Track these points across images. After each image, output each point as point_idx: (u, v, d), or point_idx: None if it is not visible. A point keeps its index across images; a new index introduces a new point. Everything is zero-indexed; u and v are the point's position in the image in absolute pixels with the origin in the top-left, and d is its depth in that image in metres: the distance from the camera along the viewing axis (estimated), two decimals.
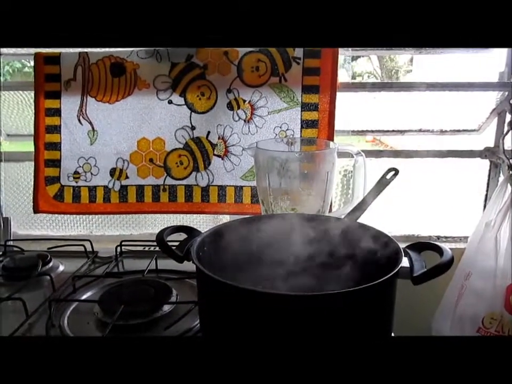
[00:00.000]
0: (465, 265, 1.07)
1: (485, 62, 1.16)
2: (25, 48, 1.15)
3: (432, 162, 1.15)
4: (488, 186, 1.16)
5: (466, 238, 1.17)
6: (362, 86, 1.12)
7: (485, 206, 1.15)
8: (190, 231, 0.70)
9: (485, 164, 1.15)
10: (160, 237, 0.65)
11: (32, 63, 1.10)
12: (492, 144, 1.13)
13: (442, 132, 1.15)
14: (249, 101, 1.05)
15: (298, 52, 1.02)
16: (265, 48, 1.03)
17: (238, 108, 1.06)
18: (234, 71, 1.04)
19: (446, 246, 0.59)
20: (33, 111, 1.10)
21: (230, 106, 1.06)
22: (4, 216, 1.19)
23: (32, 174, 1.11)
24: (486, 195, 1.16)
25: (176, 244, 0.65)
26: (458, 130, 1.16)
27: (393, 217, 1.19)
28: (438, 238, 1.18)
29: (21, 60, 1.50)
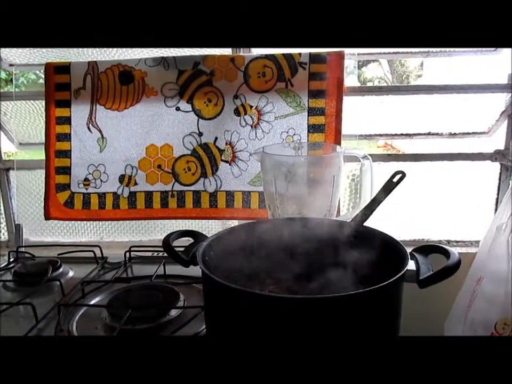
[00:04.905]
0: (477, 269, 1.05)
1: (494, 64, 1.15)
2: (37, 58, 1.18)
3: (442, 165, 1.14)
4: (499, 189, 1.14)
5: (477, 242, 1.15)
6: (369, 90, 1.11)
7: (496, 209, 1.13)
8: (196, 236, 0.70)
9: (495, 166, 1.14)
10: (167, 242, 0.66)
11: None
12: (502, 147, 1.11)
13: (452, 134, 1.14)
14: (256, 107, 1.06)
15: (304, 57, 1.02)
16: (271, 54, 1.03)
17: (245, 113, 1.06)
18: (240, 77, 1.05)
19: (453, 249, 0.59)
20: (44, 119, 1.12)
21: (237, 112, 1.07)
22: (16, 223, 1.21)
23: (43, 182, 1.13)
24: (497, 198, 1.14)
25: (183, 248, 0.66)
26: (468, 133, 1.15)
27: (402, 222, 1.18)
28: (448, 242, 1.17)
29: (34, 70, 1.53)
